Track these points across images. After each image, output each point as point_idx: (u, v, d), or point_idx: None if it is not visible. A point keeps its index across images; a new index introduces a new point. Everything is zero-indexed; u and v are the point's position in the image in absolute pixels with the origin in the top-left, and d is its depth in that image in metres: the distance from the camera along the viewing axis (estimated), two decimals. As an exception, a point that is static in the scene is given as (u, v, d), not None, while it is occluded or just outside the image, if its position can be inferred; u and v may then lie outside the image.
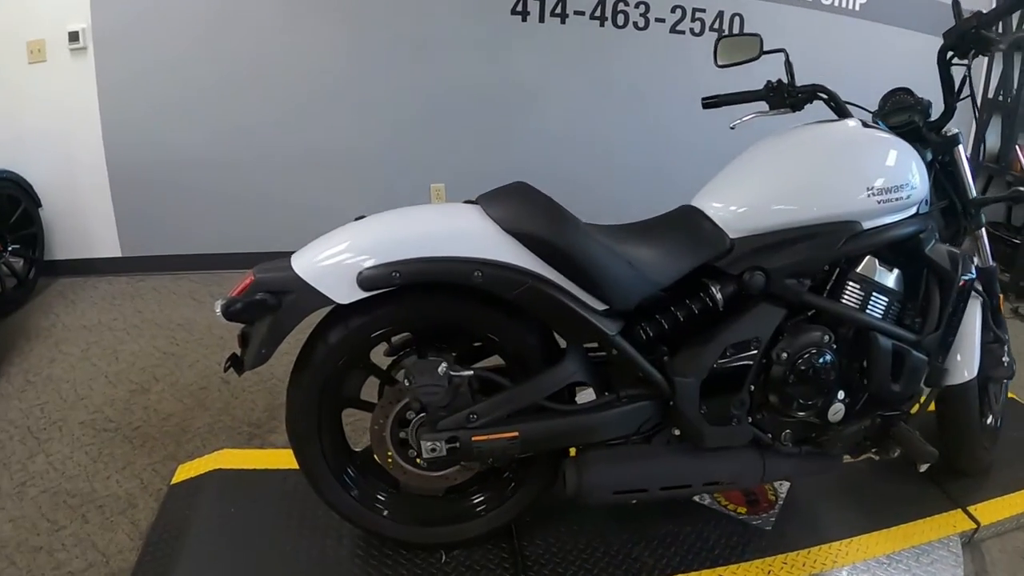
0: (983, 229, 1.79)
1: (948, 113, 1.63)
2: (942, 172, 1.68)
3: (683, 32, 3.66)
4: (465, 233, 1.28)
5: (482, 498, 1.57)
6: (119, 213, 3.43)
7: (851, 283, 1.49)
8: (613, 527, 1.68)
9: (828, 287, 1.50)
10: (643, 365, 1.39)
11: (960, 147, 1.67)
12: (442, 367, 1.34)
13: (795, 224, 1.41)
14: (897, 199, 1.45)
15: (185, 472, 1.92)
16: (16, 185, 3.11)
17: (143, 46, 3.21)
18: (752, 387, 1.46)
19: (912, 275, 1.56)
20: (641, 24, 3.58)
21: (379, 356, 1.50)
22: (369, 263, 1.24)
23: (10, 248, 3.15)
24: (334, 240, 1.29)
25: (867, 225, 1.44)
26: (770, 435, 1.49)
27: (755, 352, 1.43)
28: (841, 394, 1.49)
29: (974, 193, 1.73)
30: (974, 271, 1.60)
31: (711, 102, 1.78)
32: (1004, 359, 1.92)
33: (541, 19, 3.46)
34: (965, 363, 1.69)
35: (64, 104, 3.24)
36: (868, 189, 1.43)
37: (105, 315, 3.11)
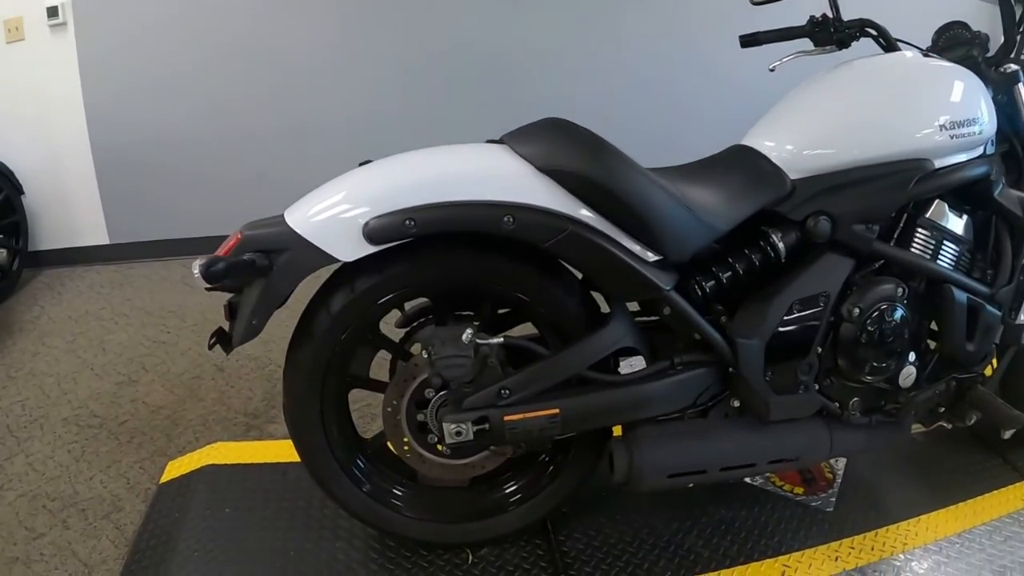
0: None
1: (1008, 47, 1.48)
2: (1000, 113, 1.49)
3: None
4: (491, 173, 1.09)
5: (514, 488, 1.37)
6: (105, 198, 3.25)
7: (921, 230, 1.34)
8: (660, 516, 1.51)
9: (895, 235, 1.35)
10: (702, 325, 1.23)
11: (1021, 85, 1.48)
12: (467, 334, 1.13)
13: (862, 162, 1.27)
14: (968, 135, 1.31)
15: (175, 469, 1.76)
16: (-5, 171, 2.92)
17: (126, 19, 3.02)
18: (820, 349, 1.30)
19: (981, 223, 1.42)
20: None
21: (390, 328, 1.31)
22: (378, 212, 1.05)
23: (-9, 239, 2.96)
24: (335, 188, 1.10)
25: (938, 164, 1.31)
26: (838, 404, 1.34)
27: (823, 309, 1.28)
28: (912, 356, 1.36)
29: None
30: None
31: (749, 39, 1.59)
32: None
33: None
34: None
35: (44, 85, 3.06)
36: (939, 122, 1.29)
37: (92, 305, 2.93)
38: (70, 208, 3.26)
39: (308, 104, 3.28)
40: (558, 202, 1.09)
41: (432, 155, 1.15)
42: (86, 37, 3.00)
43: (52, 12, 2.95)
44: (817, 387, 1.32)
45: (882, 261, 1.33)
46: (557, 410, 1.18)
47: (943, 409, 1.45)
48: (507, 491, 1.37)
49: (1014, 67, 1.47)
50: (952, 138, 1.29)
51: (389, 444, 1.30)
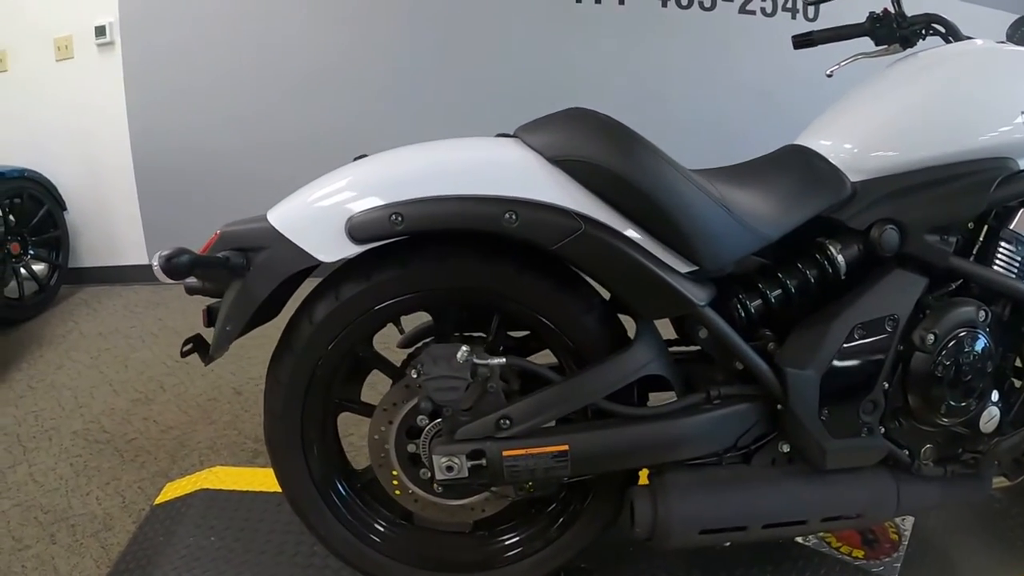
0: None
1: None
2: None
3: (753, 12, 3.27)
4: (493, 165, 0.96)
5: (519, 538, 1.19)
6: (146, 217, 3.28)
7: (1005, 243, 1.15)
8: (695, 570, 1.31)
9: (975, 250, 1.18)
10: (744, 351, 1.05)
11: None
12: (462, 352, 0.97)
13: (934, 162, 1.11)
14: None
15: (172, 491, 1.67)
16: (39, 185, 2.98)
17: (171, 39, 3.07)
18: (887, 385, 1.11)
19: None
20: (708, 4, 3.22)
21: (393, 351, 1.17)
22: (363, 207, 0.93)
23: (31, 252, 2.99)
24: (323, 183, 0.99)
25: (1022, 163, 1.14)
26: (907, 451, 1.15)
27: (890, 335, 1.09)
28: (995, 395, 1.16)
29: None
30: None
31: (803, 40, 1.45)
32: None
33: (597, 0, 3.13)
34: None
35: (91, 103, 3.13)
36: (1022, 115, 1.12)
37: (124, 323, 2.92)
38: (112, 226, 3.30)
39: (353, 119, 3.22)
40: (571, 198, 0.94)
41: (430, 148, 1.02)
42: (132, 56, 3.06)
43: (100, 31, 3.03)
44: (883, 430, 1.13)
45: (960, 281, 1.15)
46: (566, 446, 1.00)
47: None
48: (511, 541, 1.18)
49: None
50: None
51: (379, 477, 1.14)
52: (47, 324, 2.89)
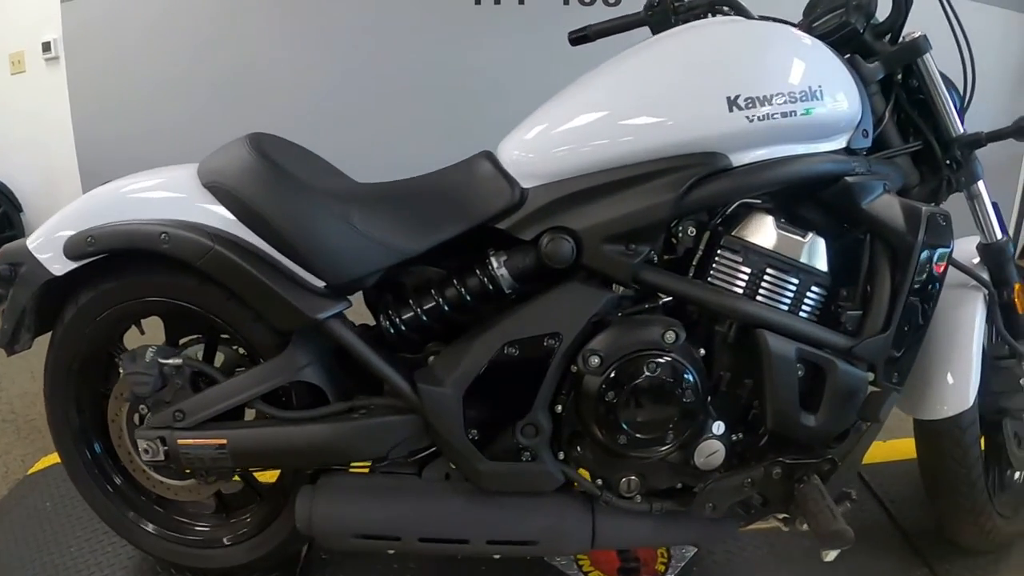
0: (981, 183, 1.19)
1: (901, 8, 1.13)
2: (909, 100, 1.17)
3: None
4: (159, 191, 1.14)
5: (240, 522, 1.34)
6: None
7: (726, 253, 1.03)
8: None
9: (695, 261, 1.07)
10: (376, 364, 1.08)
11: (929, 56, 1.13)
12: (149, 352, 1.18)
13: (620, 162, 1.00)
14: (784, 115, 0.98)
15: (42, 464, 1.89)
16: (-5, 188, 3.29)
17: (111, 53, 3.32)
18: (560, 408, 1.08)
19: (851, 248, 1.08)
20: (612, 0, 3.29)
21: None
22: (74, 230, 1.13)
23: (-10, 250, 3.31)
24: (64, 209, 1.20)
25: (739, 159, 1.01)
26: (600, 481, 1.11)
27: (552, 355, 1.03)
28: (718, 427, 1.07)
29: (960, 127, 1.15)
30: (952, 237, 1.06)
31: (579, 35, 1.34)
32: None
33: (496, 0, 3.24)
34: (955, 387, 1.16)
35: (42, 113, 3.43)
36: (729, 99, 0.97)
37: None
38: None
39: (272, 125, 3.43)
40: (214, 219, 1.08)
41: (130, 178, 1.21)
42: (75, 70, 3.33)
43: (46, 47, 3.30)
44: (561, 456, 1.10)
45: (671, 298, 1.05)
46: (225, 440, 1.12)
47: (766, 503, 1.11)
48: (232, 524, 1.34)
49: (918, 33, 1.12)
50: (753, 120, 0.97)
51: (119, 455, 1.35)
52: (-1, 317, 3.21)
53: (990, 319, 1.25)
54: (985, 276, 1.23)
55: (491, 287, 1.07)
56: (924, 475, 1.32)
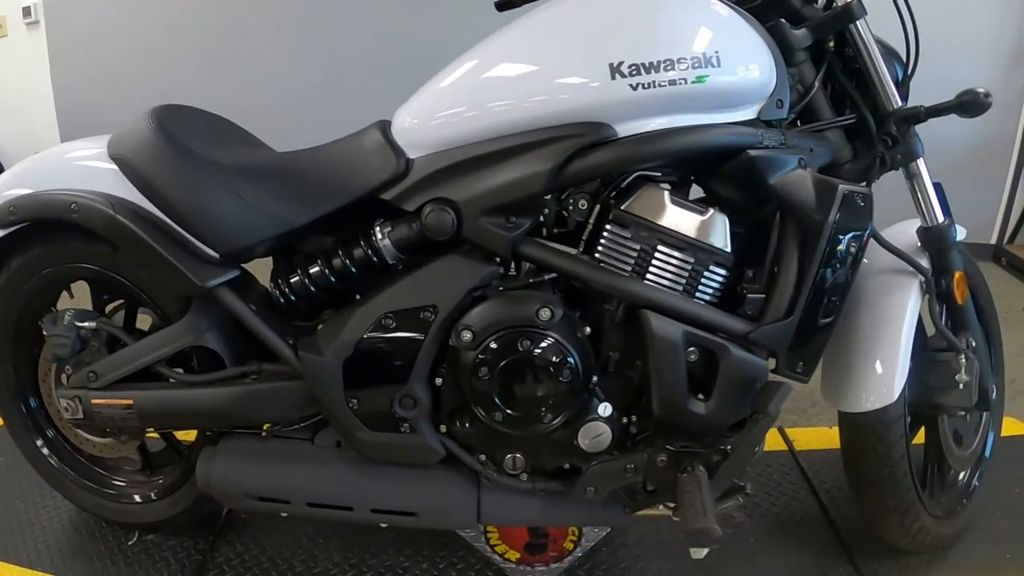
0: (921, 162, 1.13)
1: None
2: (844, 70, 1.11)
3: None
4: (72, 162, 1.16)
5: (162, 479, 1.38)
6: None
7: (615, 228, 0.98)
8: (336, 545, 1.38)
9: (585, 235, 1.03)
10: (261, 331, 1.09)
11: (863, 22, 1.06)
12: (67, 315, 1.20)
13: (498, 132, 0.97)
14: (672, 83, 0.92)
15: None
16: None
17: (93, 19, 3.29)
18: (439, 380, 1.07)
19: (767, 228, 1.03)
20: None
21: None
22: (4, 198, 1.16)
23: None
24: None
25: (626, 129, 0.95)
26: (483, 457, 1.10)
27: (428, 327, 1.02)
28: (604, 408, 1.04)
29: (897, 101, 1.09)
30: (871, 219, 1.00)
31: (505, 2, 1.23)
32: (960, 377, 1.17)
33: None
34: (881, 379, 1.11)
35: (22, 77, 3.42)
36: (612, 65, 0.92)
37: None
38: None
39: (265, 97, 3.37)
40: (116, 189, 1.09)
41: (55, 149, 1.23)
42: (56, 35, 3.32)
43: (26, 12, 3.30)
44: (443, 428, 1.09)
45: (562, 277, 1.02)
46: (131, 401, 1.16)
47: (652, 490, 1.08)
48: (161, 480, 1.38)
49: None
50: (638, 87, 0.91)
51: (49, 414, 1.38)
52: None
53: (930, 309, 1.19)
54: (925, 263, 1.16)
55: (375, 258, 1.06)
56: (847, 470, 1.27)
